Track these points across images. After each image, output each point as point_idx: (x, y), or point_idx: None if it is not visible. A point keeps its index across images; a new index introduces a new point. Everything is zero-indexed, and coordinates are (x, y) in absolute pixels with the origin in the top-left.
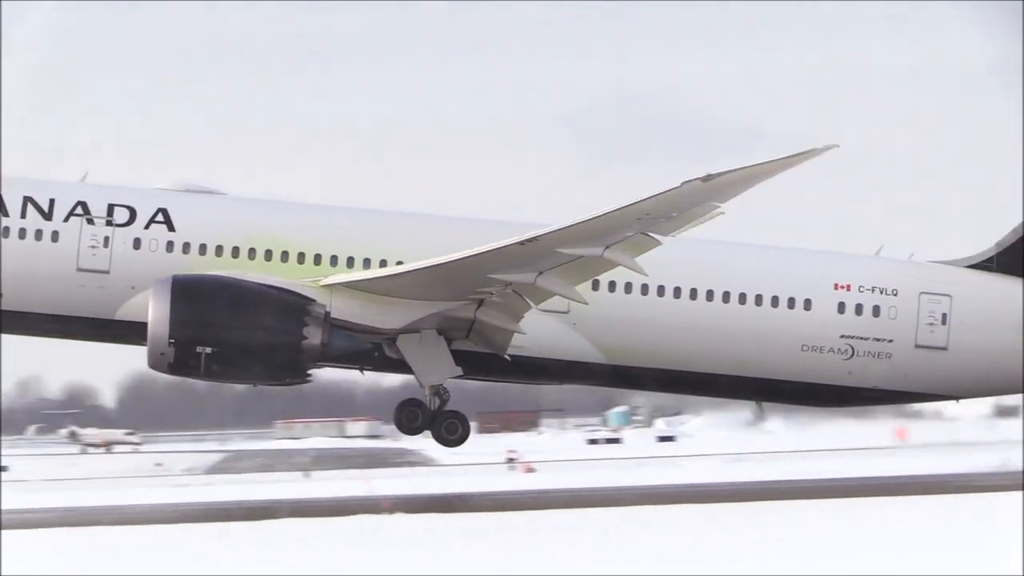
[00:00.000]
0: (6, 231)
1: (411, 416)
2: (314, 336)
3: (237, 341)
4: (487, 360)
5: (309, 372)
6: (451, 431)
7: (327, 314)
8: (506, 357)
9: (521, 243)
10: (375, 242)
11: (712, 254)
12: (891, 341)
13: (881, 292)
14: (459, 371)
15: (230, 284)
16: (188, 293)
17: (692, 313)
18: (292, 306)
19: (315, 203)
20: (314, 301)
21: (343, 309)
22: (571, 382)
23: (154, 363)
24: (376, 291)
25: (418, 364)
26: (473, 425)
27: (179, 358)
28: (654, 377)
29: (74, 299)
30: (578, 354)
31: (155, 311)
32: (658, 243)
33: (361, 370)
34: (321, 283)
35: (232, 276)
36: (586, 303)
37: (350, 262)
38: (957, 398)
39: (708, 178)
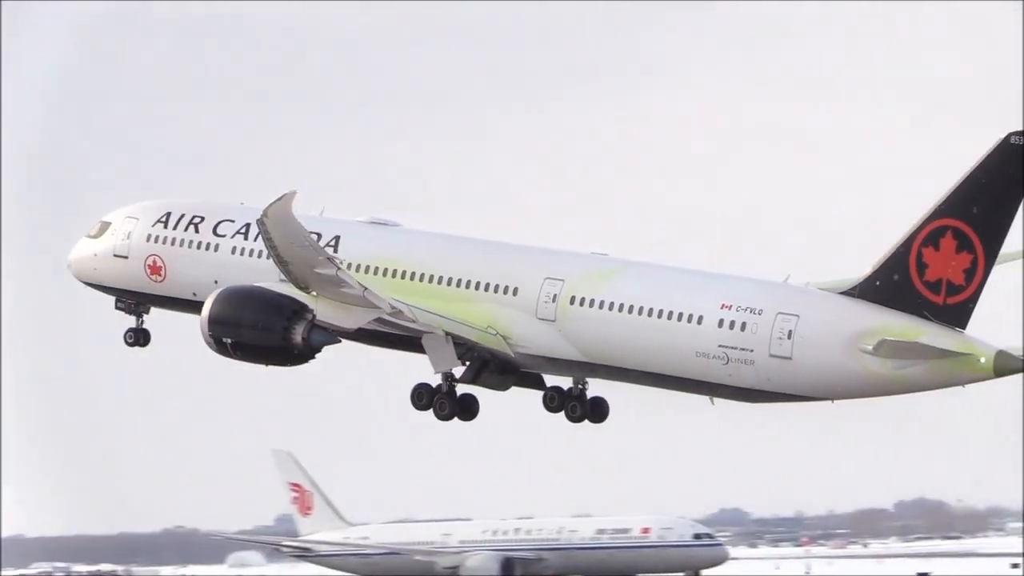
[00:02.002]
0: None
1: (419, 396)
2: (297, 333)
3: (242, 336)
4: (501, 356)
5: (312, 355)
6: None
7: (313, 316)
8: (510, 354)
9: (280, 265)
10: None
11: (646, 278)
12: (752, 351)
13: (751, 311)
14: (458, 363)
15: (249, 293)
16: (220, 300)
17: (628, 324)
18: (286, 309)
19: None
20: (306, 306)
21: (324, 313)
22: (559, 374)
23: (208, 346)
24: (338, 299)
25: (430, 355)
26: None
27: (217, 345)
28: (614, 372)
29: None
30: (563, 353)
31: (203, 312)
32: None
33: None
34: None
35: (260, 287)
36: (388, 306)
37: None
38: (822, 399)
39: (264, 213)
